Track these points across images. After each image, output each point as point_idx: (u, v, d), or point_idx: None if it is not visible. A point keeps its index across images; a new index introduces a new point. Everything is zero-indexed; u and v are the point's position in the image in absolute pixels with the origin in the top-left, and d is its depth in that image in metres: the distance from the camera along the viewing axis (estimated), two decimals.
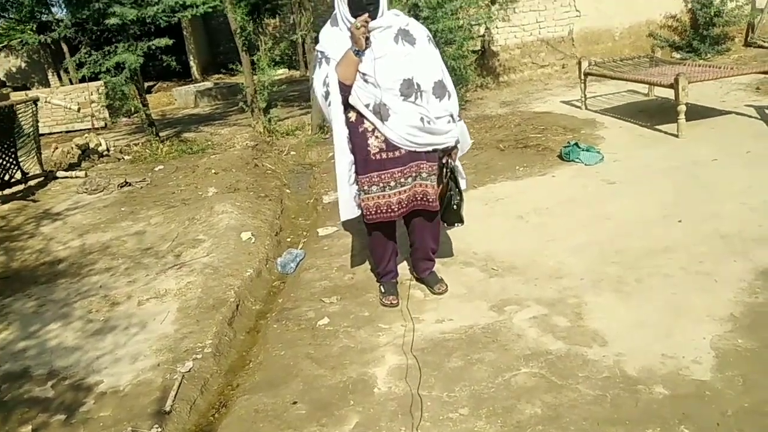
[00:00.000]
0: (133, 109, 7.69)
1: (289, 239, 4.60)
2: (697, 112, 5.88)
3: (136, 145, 7.86)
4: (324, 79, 2.85)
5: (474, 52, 8.03)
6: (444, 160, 3.02)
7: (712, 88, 6.68)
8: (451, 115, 2.93)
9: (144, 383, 2.75)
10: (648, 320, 2.75)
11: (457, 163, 3.12)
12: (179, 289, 3.62)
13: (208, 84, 13.32)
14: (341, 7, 2.75)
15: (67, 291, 3.85)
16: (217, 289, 3.55)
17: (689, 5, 9.27)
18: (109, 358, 3.00)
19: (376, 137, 2.86)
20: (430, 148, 2.92)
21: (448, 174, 3.05)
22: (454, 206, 3.15)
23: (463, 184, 3.17)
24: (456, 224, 3.25)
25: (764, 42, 9.12)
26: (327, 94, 2.85)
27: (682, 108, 5.27)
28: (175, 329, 3.19)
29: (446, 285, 3.26)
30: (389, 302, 3.18)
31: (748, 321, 2.64)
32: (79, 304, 3.64)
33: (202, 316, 3.27)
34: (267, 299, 3.66)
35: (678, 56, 8.95)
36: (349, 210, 3.02)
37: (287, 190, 5.76)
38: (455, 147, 3.01)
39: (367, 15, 2.66)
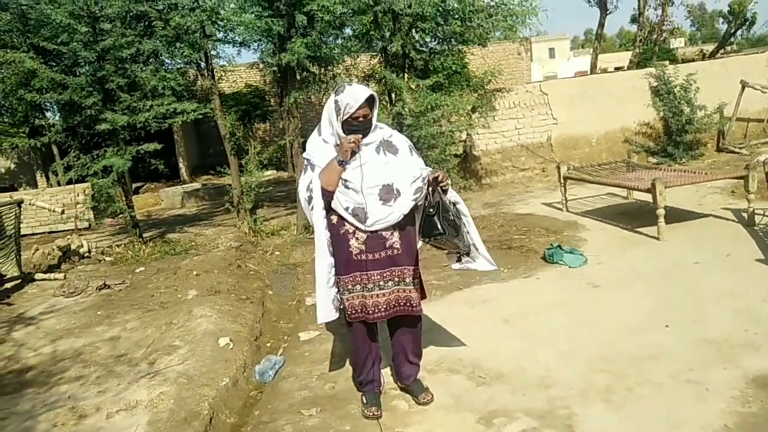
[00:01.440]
0: (118, 210, 7.71)
1: (269, 344, 4.46)
2: (676, 215, 6.00)
3: (118, 246, 7.80)
4: (308, 184, 2.97)
5: (456, 155, 8.29)
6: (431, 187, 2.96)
7: (689, 191, 6.88)
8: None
9: None
10: None
11: (456, 198, 3.11)
12: (151, 400, 3.44)
13: (196, 185, 13.52)
14: (336, 124, 2.88)
15: (33, 402, 3.64)
16: (190, 401, 3.37)
17: (661, 113, 9.75)
18: None
19: (357, 239, 2.93)
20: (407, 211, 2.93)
21: (431, 191, 2.95)
22: (428, 213, 2.94)
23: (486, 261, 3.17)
24: (429, 239, 2.98)
25: (735, 148, 9.53)
26: (310, 199, 2.96)
27: (661, 212, 5.38)
28: None
29: (432, 394, 3.14)
30: (372, 414, 3.04)
31: None
32: (45, 416, 3.43)
33: (173, 431, 3.08)
34: (243, 411, 3.48)
35: (654, 161, 9.29)
36: (326, 312, 3.00)
37: (270, 292, 5.67)
38: (436, 174, 2.95)
39: (360, 135, 2.83)
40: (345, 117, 2.83)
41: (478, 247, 3.13)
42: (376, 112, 2.92)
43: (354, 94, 2.82)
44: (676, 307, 3.91)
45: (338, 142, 2.88)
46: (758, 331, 3.42)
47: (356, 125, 2.85)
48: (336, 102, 2.86)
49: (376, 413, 3.04)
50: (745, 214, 5.64)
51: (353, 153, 2.85)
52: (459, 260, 3.21)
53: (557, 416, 2.85)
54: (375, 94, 2.92)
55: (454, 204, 3.07)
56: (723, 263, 4.64)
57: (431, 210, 2.91)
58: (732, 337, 3.40)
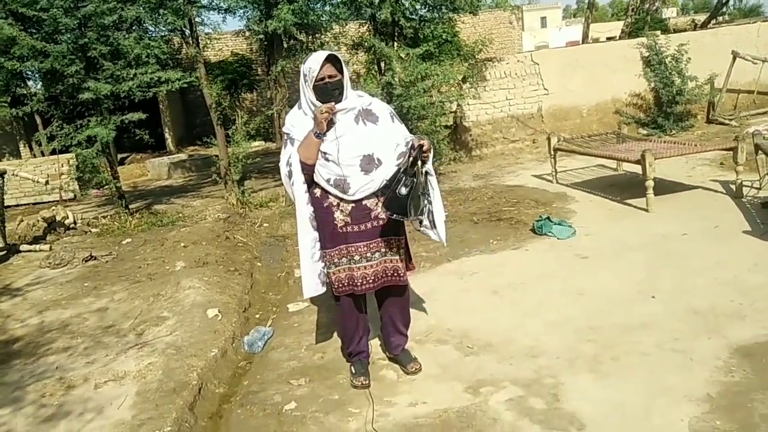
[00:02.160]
0: (103, 181, 7.60)
1: (258, 315, 4.46)
2: (665, 187, 6.02)
3: (104, 217, 7.72)
4: (287, 159, 2.95)
5: (447, 127, 8.23)
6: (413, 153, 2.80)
7: (678, 163, 6.89)
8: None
9: None
10: (626, 401, 2.67)
11: (430, 169, 2.93)
12: (139, 370, 3.43)
13: (183, 156, 13.36)
14: (307, 92, 2.85)
15: (20, 373, 3.62)
16: (179, 371, 3.37)
17: (652, 84, 9.70)
18: None
19: (341, 211, 2.91)
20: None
21: (411, 159, 2.78)
22: (399, 193, 2.76)
23: (442, 232, 3.02)
24: (391, 214, 2.81)
25: (725, 119, 9.54)
26: (290, 174, 2.93)
27: (650, 183, 5.39)
28: (133, 415, 2.99)
29: (420, 364, 3.16)
30: (360, 383, 3.06)
31: (725, 401, 2.58)
32: (33, 387, 3.42)
33: (162, 401, 3.08)
34: (232, 381, 3.48)
35: (644, 132, 9.27)
36: (312, 287, 3.00)
37: (258, 264, 5.65)
38: (422, 142, 2.79)
39: (332, 103, 2.78)
40: (312, 81, 2.78)
41: (437, 225, 3.00)
42: (346, 75, 2.85)
43: (315, 57, 2.80)
44: (664, 278, 3.94)
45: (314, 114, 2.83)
46: (744, 301, 3.46)
47: (325, 88, 2.78)
48: (302, 71, 2.84)
49: (364, 383, 3.05)
50: (733, 186, 5.67)
51: (330, 123, 2.81)
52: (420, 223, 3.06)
53: (544, 385, 2.88)
54: (338, 54, 2.86)
55: (426, 174, 2.88)
56: (711, 235, 4.66)
57: (403, 189, 2.74)
58: (718, 307, 3.43)
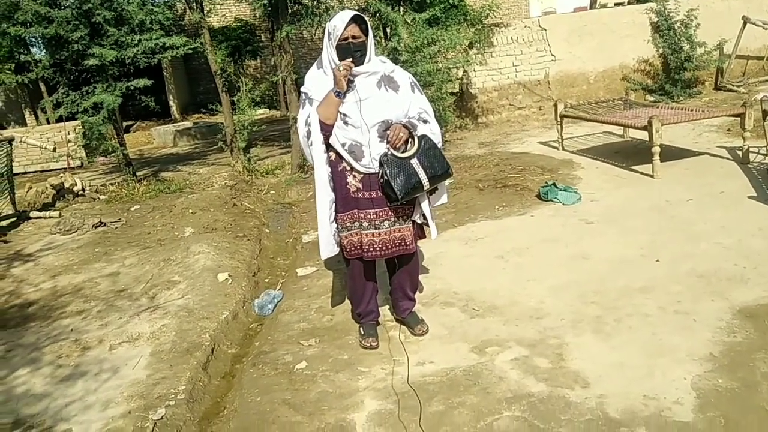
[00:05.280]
0: (110, 148, 7.63)
1: (267, 280, 4.53)
2: (671, 153, 6.01)
3: (112, 184, 7.77)
4: (306, 119, 2.91)
5: (453, 94, 8.18)
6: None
7: (684, 129, 6.86)
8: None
9: (114, 431, 2.64)
10: (629, 361, 2.73)
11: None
12: (153, 332, 3.52)
13: (188, 123, 13.34)
14: (330, 51, 2.83)
15: (37, 335, 3.72)
16: (192, 333, 3.45)
17: (660, 50, 9.59)
18: (78, 406, 2.88)
19: (354, 176, 2.90)
20: None
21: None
22: (382, 179, 2.81)
23: (433, 229, 3.12)
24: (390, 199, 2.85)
25: (733, 86, 9.44)
26: (309, 134, 2.91)
27: (657, 149, 5.38)
28: (148, 375, 3.08)
29: (427, 326, 3.22)
30: (369, 344, 3.13)
31: (727, 360, 2.64)
32: (49, 348, 3.52)
33: (176, 361, 3.17)
34: (243, 342, 3.57)
35: (651, 99, 9.20)
36: (328, 248, 3.01)
37: (266, 230, 5.71)
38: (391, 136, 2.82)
39: (350, 60, 2.75)
40: (336, 41, 2.77)
41: (426, 217, 3.03)
42: (370, 37, 2.84)
43: (340, 15, 2.79)
44: (668, 243, 3.97)
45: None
46: (747, 265, 3.50)
47: (348, 48, 2.77)
48: (327, 28, 2.83)
49: (373, 344, 3.12)
50: (739, 152, 5.65)
51: (349, 84, 2.79)
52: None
53: (548, 345, 2.94)
54: (364, 16, 2.83)
55: (420, 140, 2.88)
56: (716, 200, 4.68)
57: (387, 173, 2.77)
58: (721, 270, 3.48)
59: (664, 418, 2.33)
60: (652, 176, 5.44)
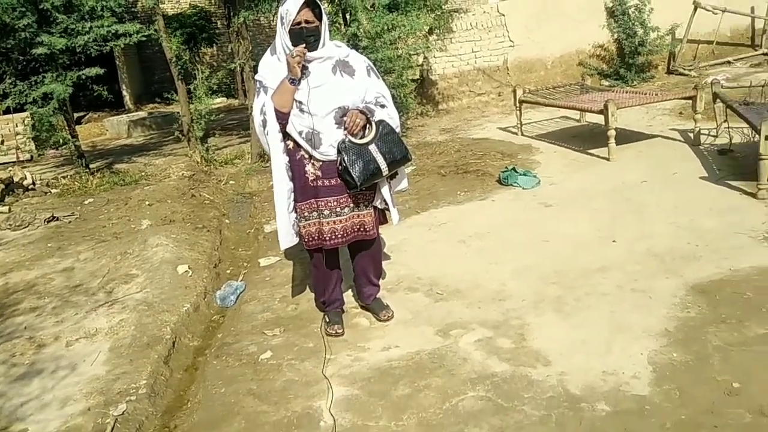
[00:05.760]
0: (61, 140, 7.36)
1: (228, 271, 4.47)
2: (626, 137, 6.15)
3: (64, 177, 7.51)
4: (261, 107, 2.87)
5: (413, 80, 8.16)
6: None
7: (639, 113, 7.02)
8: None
9: (73, 429, 2.57)
10: (588, 338, 2.80)
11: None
12: (111, 327, 3.43)
13: (142, 114, 12.98)
14: (283, 36, 2.77)
15: None
16: (152, 326, 3.38)
17: (615, 35, 9.77)
18: (35, 404, 2.79)
19: (312, 164, 2.88)
20: None
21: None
22: (340, 166, 2.81)
23: (395, 214, 3.13)
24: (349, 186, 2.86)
25: (684, 70, 9.70)
26: (264, 123, 2.87)
27: (612, 132, 5.49)
28: (107, 370, 3.01)
29: (392, 311, 3.23)
30: (335, 332, 3.12)
31: (682, 335, 2.73)
32: (2, 347, 3.39)
33: (136, 356, 3.10)
34: (206, 335, 3.52)
35: (606, 83, 9.37)
36: (288, 238, 2.99)
37: (226, 221, 5.62)
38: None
39: (303, 45, 2.70)
40: (288, 25, 2.72)
41: (387, 202, 3.04)
42: (324, 22, 2.80)
43: (294, 0, 2.72)
44: (624, 224, 4.08)
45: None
46: (699, 243, 3.62)
47: (300, 33, 2.72)
48: (279, 13, 2.78)
49: (338, 331, 3.12)
50: (691, 135, 5.82)
51: (303, 70, 2.75)
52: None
53: (511, 326, 2.99)
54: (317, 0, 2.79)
55: (378, 124, 2.87)
56: (669, 181, 4.81)
57: (345, 160, 2.76)
58: (675, 249, 3.59)
59: (622, 392, 2.40)
60: (608, 159, 5.56)
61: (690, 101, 5.81)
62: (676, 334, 2.74)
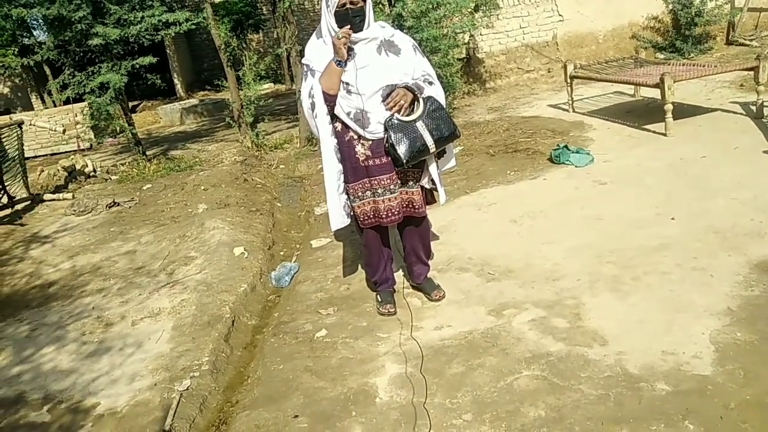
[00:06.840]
0: (118, 129, 7.64)
1: (282, 252, 4.57)
2: (684, 111, 5.93)
3: (122, 164, 7.81)
4: (309, 90, 2.89)
5: (459, 59, 8.07)
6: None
7: (697, 86, 6.75)
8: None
9: (142, 403, 2.71)
10: (647, 318, 2.74)
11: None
12: (173, 307, 3.58)
13: (194, 101, 13.30)
14: (328, 19, 2.79)
15: (59, 314, 3.79)
16: (212, 306, 3.50)
17: (670, 6, 9.38)
18: (105, 380, 2.95)
19: (362, 144, 2.89)
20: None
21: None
22: (387, 143, 2.81)
23: (442, 193, 3.11)
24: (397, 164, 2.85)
25: (745, 40, 9.24)
26: (313, 106, 2.89)
27: (669, 107, 5.31)
28: (171, 348, 3.14)
29: (443, 291, 3.24)
30: (387, 311, 3.16)
31: (746, 314, 2.64)
32: (73, 326, 3.59)
33: (198, 334, 3.22)
34: (263, 314, 3.62)
35: (662, 56, 9.03)
36: (339, 219, 3.02)
37: (278, 204, 5.74)
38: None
39: (349, 27, 2.70)
40: (334, 7, 2.73)
41: (435, 181, 3.02)
42: (369, 3, 2.78)
43: None
44: (683, 200, 3.95)
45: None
46: (764, 219, 3.47)
47: (345, 15, 2.72)
48: None
49: (390, 310, 3.15)
50: (753, 107, 5.56)
51: (350, 51, 2.75)
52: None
53: (565, 306, 2.96)
54: None
55: (426, 101, 2.86)
56: (730, 156, 4.63)
57: (392, 138, 2.77)
58: (737, 226, 3.46)
59: (683, 372, 2.35)
60: (665, 135, 5.37)
61: (752, 72, 5.54)
62: (740, 313, 2.65)
